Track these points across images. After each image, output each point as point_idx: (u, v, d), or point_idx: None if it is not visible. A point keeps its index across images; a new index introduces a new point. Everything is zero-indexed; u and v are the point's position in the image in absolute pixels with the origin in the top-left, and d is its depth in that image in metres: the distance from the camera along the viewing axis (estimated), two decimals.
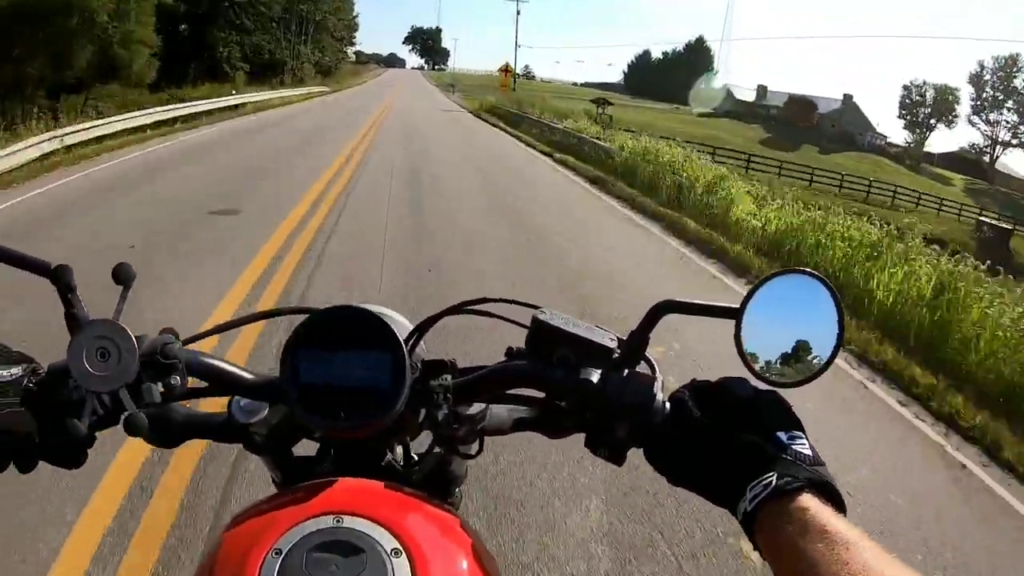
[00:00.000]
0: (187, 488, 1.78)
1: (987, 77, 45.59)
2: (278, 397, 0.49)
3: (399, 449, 0.55)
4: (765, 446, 0.39)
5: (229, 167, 7.39)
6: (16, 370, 0.44)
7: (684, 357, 2.93)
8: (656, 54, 72.17)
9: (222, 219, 4.82)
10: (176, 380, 0.46)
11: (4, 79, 11.62)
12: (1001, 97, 45.16)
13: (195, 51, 23.61)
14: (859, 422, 2.79)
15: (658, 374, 0.45)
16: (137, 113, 10.45)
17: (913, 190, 26.36)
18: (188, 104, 12.75)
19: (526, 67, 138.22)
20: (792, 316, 0.42)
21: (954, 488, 2.35)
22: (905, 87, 49.41)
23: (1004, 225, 22.25)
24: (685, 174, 7.80)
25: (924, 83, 48.56)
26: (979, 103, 45.97)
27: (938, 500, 2.23)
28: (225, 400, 0.51)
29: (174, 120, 11.42)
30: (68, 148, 7.52)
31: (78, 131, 7.96)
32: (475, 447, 0.51)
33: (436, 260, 4.12)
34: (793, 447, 0.39)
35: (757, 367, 0.43)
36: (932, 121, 47.76)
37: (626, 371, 0.45)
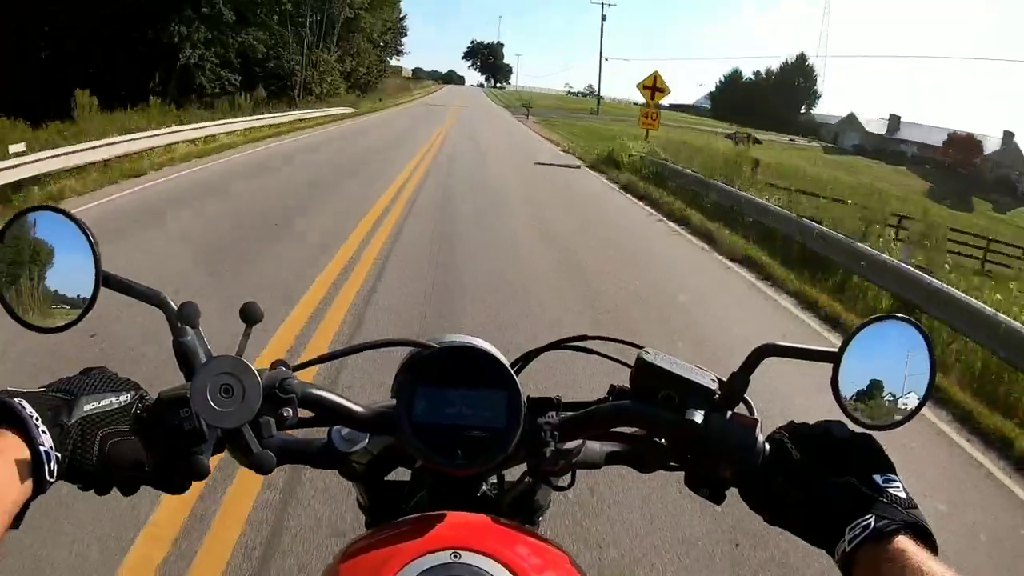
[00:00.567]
0: None
1: None
2: (391, 431, 0.57)
3: (491, 477, 0.64)
4: (862, 488, 0.47)
5: None
6: (125, 397, 0.50)
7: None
8: (746, 73, 70.66)
9: None
10: (289, 412, 0.53)
11: None
12: None
13: (151, 58, 17.86)
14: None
15: (757, 415, 0.53)
16: None
17: None
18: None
19: (589, 86, 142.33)
20: (886, 360, 0.51)
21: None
22: None
23: None
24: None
25: None
26: None
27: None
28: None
29: None
30: None
31: None
32: (567, 479, 0.61)
33: None
34: (889, 490, 0.47)
35: (852, 410, 0.51)
36: None
37: (728, 413, 0.53)
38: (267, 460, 0.50)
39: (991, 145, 40.24)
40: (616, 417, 0.57)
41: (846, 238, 6.14)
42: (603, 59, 40.53)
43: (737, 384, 0.54)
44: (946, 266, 6.33)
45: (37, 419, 0.45)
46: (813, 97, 65.52)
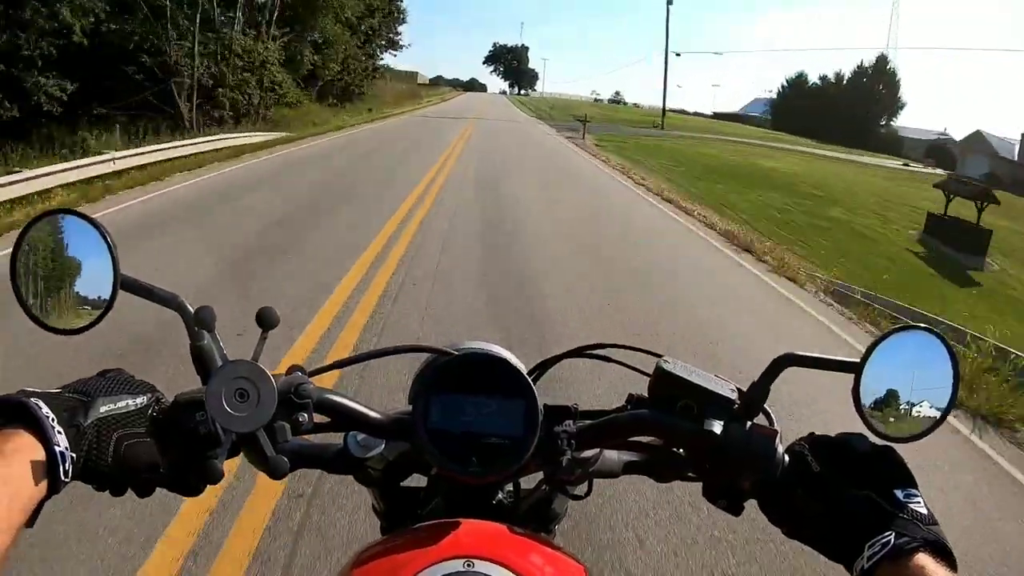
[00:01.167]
0: None
1: None
2: (407, 437, 0.65)
3: (507, 486, 0.72)
4: (883, 504, 0.53)
5: None
6: (141, 400, 0.58)
7: None
8: (810, 78, 68.61)
9: None
10: (304, 417, 0.60)
11: None
12: None
13: None
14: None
15: (777, 426, 0.61)
16: None
17: None
18: None
19: (616, 93, 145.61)
20: (908, 372, 0.59)
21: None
22: None
23: None
24: None
25: None
26: None
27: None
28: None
29: None
30: None
31: None
32: (583, 489, 0.68)
33: None
34: (910, 505, 0.53)
35: (873, 421, 0.59)
36: None
37: (748, 424, 0.61)
38: (281, 465, 0.58)
39: None
40: (634, 426, 0.65)
41: None
42: (669, 55, 38.01)
43: (757, 394, 0.61)
44: None
45: (53, 419, 0.52)
46: (896, 107, 63.65)
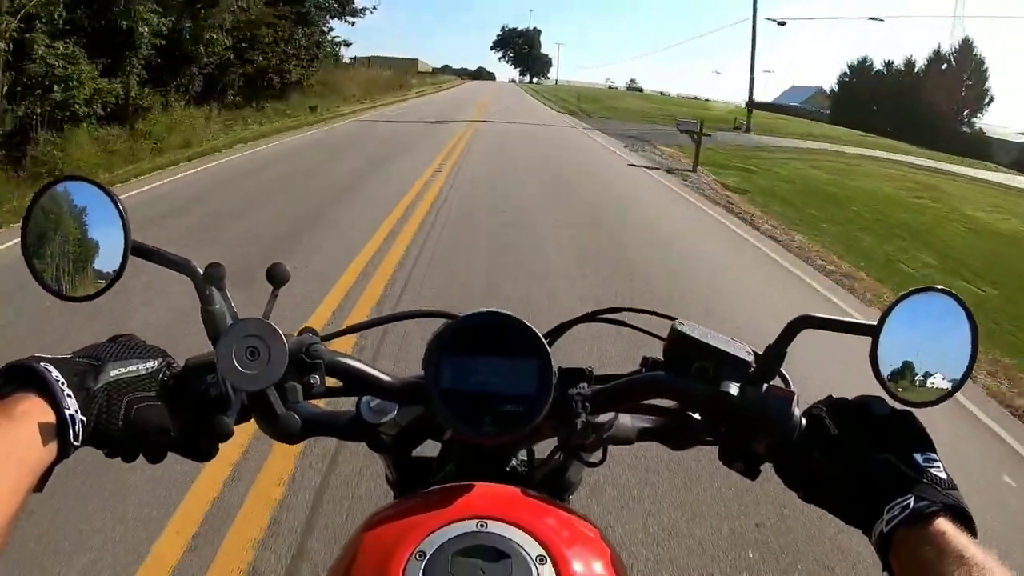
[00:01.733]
0: None
1: None
2: (420, 400, 0.74)
3: (521, 453, 0.82)
4: (902, 467, 0.62)
5: None
6: (152, 364, 0.66)
7: None
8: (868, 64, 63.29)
9: None
10: (316, 380, 0.69)
11: None
12: None
13: None
14: None
15: (793, 388, 0.70)
16: None
17: None
18: None
19: (632, 81, 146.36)
20: (927, 334, 0.68)
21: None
22: None
23: None
24: None
25: None
26: None
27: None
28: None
29: None
30: None
31: None
32: (598, 455, 0.78)
33: None
34: (930, 469, 0.62)
35: (891, 385, 0.68)
36: None
37: (764, 385, 0.70)
38: (291, 422, 0.68)
39: None
40: (649, 389, 0.74)
41: None
42: (756, 32, 29.08)
43: (773, 356, 0.70)
44: None
45: (63, 383, 0.59)
46: (982, 102, 58.06)
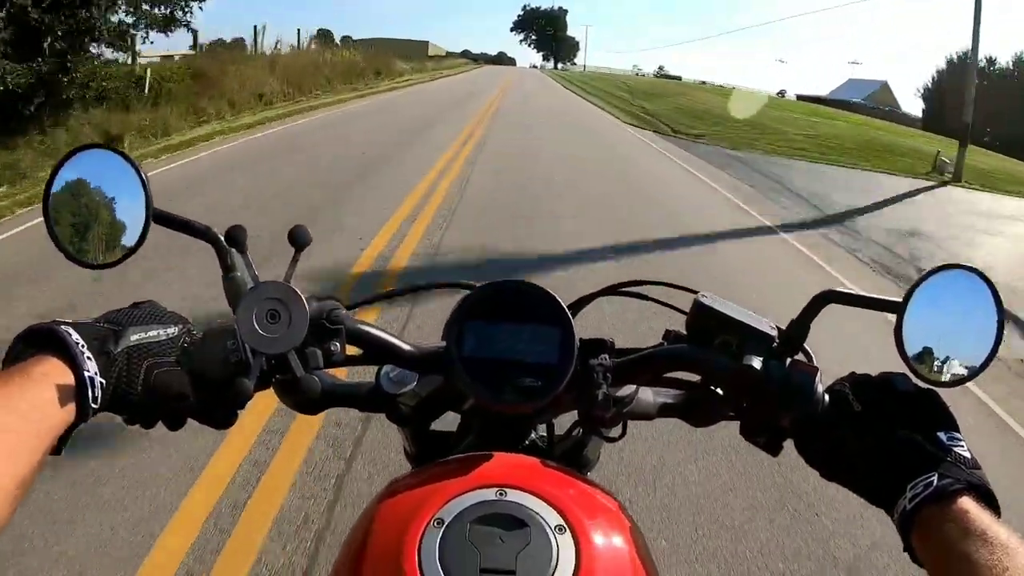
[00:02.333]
0: None
1: None
2: (440, 370, 0.79)
3: (541, 427, 0.87)
4: (927, 445, 0.65)
5: None
6: (172, 330, 0.70)
7: None
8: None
9: None
10: (336, 347, 0.74)
11: None
12: None
13: None
14: None
15: (817, 364, 0.74)
16: None
17: None
18: None
19: (660, 68, 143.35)
20: (952, 313, 0.72)
21: None
22: None
23: None
24: None
25: None
26: None
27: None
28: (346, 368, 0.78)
29: None
30: None
31: None
32: (618, 431, 0.83)
33: None
34: (954, 449, 0.65)
35: (915, 363, 0.72)
36: None
37: (787, 360, 0.74)
38: (312, 384, 0.73)
39: None
40: (671, 362, 0.79)
41: None
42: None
43: (796, 331, 0.75)
44: None
45: (83, 346, 0.62)
46: None
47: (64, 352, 0.61)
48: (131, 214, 0.75)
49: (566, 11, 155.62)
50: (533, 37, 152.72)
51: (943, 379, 0.72)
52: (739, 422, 0.78)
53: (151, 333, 0.69)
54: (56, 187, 0.73)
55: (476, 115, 19.38)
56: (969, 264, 0.73)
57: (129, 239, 0.75)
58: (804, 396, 0.71)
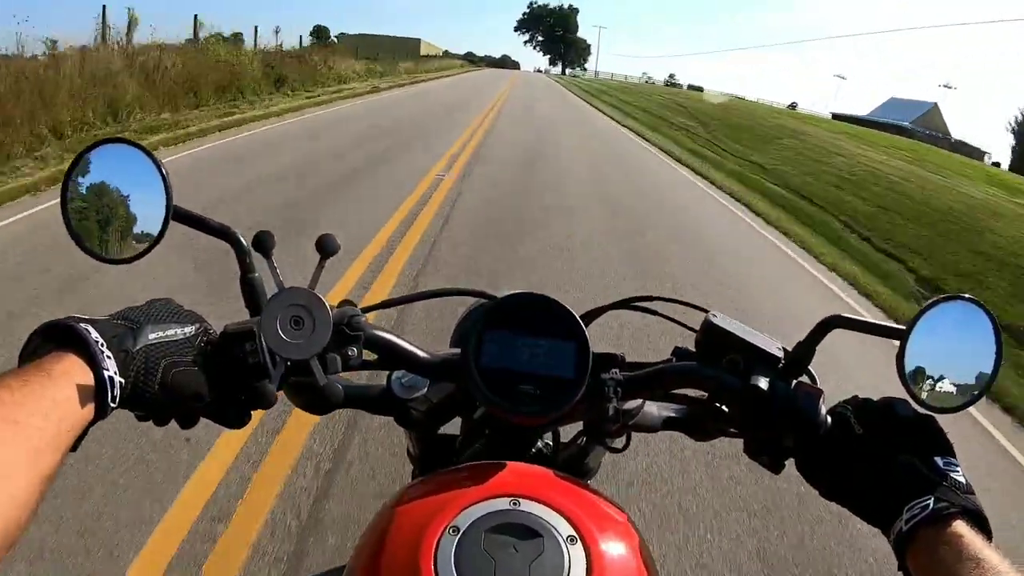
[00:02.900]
0: None
1: None
2: (453, 377, 0.86)
3: (546, 435, 0.94)
4: (924, 470, 0.72)
5: None
6: (190, 329, 0.74)
7: None
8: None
9: None
10: (354, 352, 0.80)
11: None
12: None
13: None
14: None
15: (821, 387, 0.81)
16: None
17: None
18: None
19: (671, 76, 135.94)
20: (951, 341, 0.79)
21: None
22: None
23: None
24: None
25: None
26: None
27: None
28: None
29: None
30: None
31: None
32: (622, 442, 0.90)
33: None
34: (950, 474, 0.72)
35: (915, 389, 0.79)
36: None
37: (793, 382, 0.81)
38: (335, 392, 0.78)
39: None
40: (681, 378, 0.86)
41: None
42: None
43: (802, 353, 0.83)
44: None
45: (102, 344, 0.65)
46: None
47: (83, 350, 0.64)
48: (150, 210, 0.79)
49: (577, 10, 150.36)
50: (539, 38, 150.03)
51: (941, 405, 0.80)
52: (742, 440, 0.85)
53: (169, 332, 0.73)
54: (74, 181, 0.78)
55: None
56: (968, 296, 0.80)
57: (148, 234, 0.79)
58: (808, 417, 0.78)
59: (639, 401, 0.90)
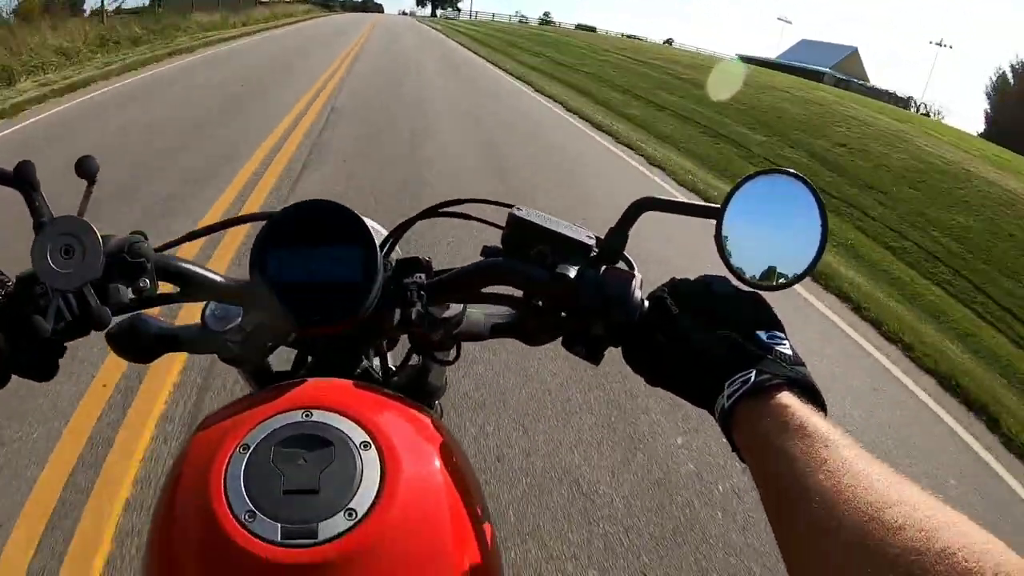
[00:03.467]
0: None
1: None
2: (251, 297, 0.85)
3: (376, 360, 0.95)
4: (745, 344, 0.74)
5: None
6: None
7: None
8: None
9: None
10: (146, 283, 0.79)
11: None
12: None
13: None
14: None
15: (636, 272, 0.83)
16: None
17: None
18: None
19: (545, 14, 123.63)
20: (774, 218, 0.82)
21: None
22: None
23: None
24: None
25: None
26: None
27: None
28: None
29: None
30: None
31: None
32: (452, 353, 0.91)
33: None
34: (774, 347, 0.73)
35: (737, 268, 0.81)
36: None
37: (603, 267, 0.83)
38: (103, 315, 0.76)
39: None
40: (487, 276, 0.87)
41: None
42: None
43: (614, 240, 0.84)
44: None
45: None
46: None
47: None
48: None
49: None
50: None
51: (764, 283, 0.81)
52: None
53: None
54: None
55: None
56: (787, 168, 0.82)
57: None
58: (619, 303, 0.79)
59: (459, 308, 0.90)
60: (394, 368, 0.99)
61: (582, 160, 11.19)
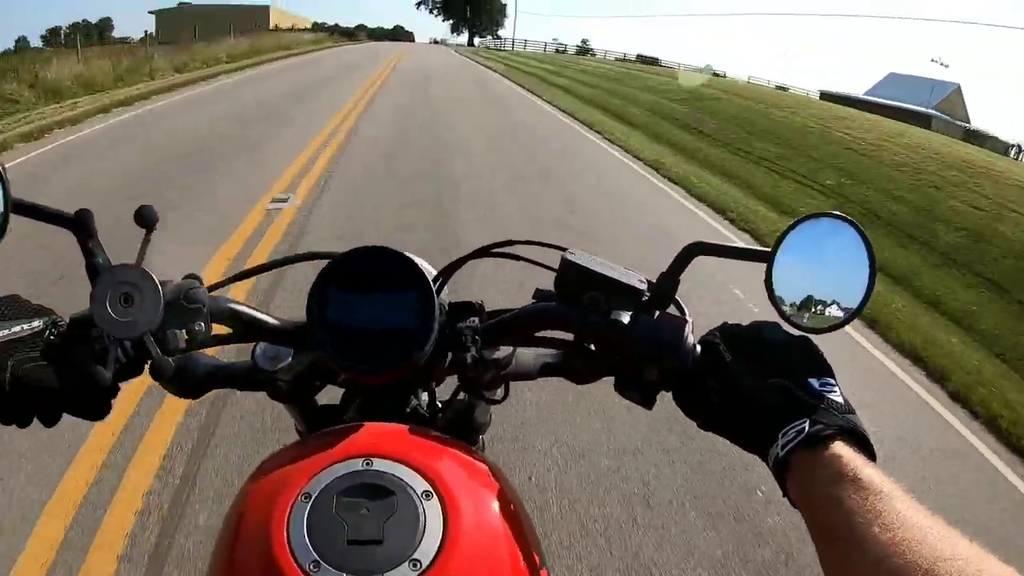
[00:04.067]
0: None
1: None
2: (305, 342, 0.92)
3: (424, 396, 1.01)
4: (797, 392, 0.79)
5: None
6: (37, 323, 0.80)
7: None
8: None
9: None
10: (200, 326, 0.85)
11: None
12: None
13: None
14: None
15: (689, 317, 0.89)
16: None
17: None
18: None
19: (583, 42, 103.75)
20: (823, 261, 0.87)
21: None
22: None
23: None
24: None
25: None
26: None
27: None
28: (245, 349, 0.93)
29: None
30: None
31: None
32: (500, 392, 0.98)
33: None
34: (826, 395, 0.79)
35: (788, 312, 0.87)
36: None
37: (656, 313, 0.88)
38: (164, 365, 0.83)
39: None
40: (540, 320, 0.93)
41: None
42: None
43: (666, 284, 0.90)
44: None
45: None
46: None
47: None
48: None
49: None
50: (438, 1, 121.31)
51: (814, 325, 0.87)
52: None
53: (15, 328, 0.79)
54: None
55: None
56: (836, 212, 0.87)
57: None
58: (672, 349, 0.85)
59: (510, 349, 0.96)
60: (440, 404, 1.05)
61: None
